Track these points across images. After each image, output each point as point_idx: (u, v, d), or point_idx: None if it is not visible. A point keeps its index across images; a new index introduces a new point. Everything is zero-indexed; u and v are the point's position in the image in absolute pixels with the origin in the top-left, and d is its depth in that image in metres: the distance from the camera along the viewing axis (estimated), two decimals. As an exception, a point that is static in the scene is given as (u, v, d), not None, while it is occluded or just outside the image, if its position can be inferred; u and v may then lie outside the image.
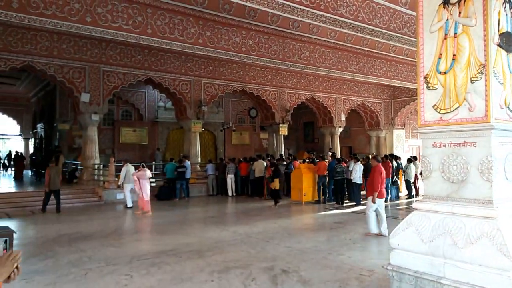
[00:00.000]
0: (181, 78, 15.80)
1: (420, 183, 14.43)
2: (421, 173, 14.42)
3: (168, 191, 14.21)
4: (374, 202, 7.83)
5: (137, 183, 11.14)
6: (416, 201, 4.58)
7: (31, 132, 27.00)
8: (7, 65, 12.31)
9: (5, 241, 5.95)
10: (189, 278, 5.29)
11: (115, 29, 9.51)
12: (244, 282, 5.07)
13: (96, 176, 14.48)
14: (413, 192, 14.28)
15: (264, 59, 12.44)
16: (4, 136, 30.19)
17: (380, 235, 7.83)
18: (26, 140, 27.72)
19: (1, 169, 24.63)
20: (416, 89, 4.62)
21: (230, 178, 15.23)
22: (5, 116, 26.87)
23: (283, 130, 18.98)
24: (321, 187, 13.04)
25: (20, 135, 28.00)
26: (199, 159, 16.79)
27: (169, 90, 15.79)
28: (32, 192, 13.71)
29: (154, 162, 17.08)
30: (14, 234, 6.16)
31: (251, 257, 6.36)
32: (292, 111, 19.31)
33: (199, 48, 11.10)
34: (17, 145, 28.08)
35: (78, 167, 16.02)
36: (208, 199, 14.77)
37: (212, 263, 5.97)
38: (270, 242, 7.39)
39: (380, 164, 8.40)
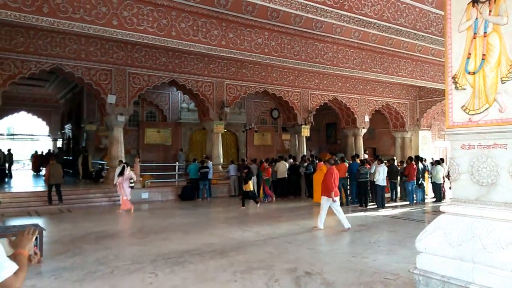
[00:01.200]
0: (204, 80, 15.96)
1: (447, 185, 14.09)
2: (448, 176, 14.10)
3: (191, 191, 14.38)
4: (334, 201, 8.69)
5: (120, 186, 11.63)
6: (443, 204, 4.48)
7: (59, 133, 27.82)
8: (37, 67, 12.73)
9: (36, 238, 6.17)
10: (212, 277, 5.34)
11: (141, 32, 9.70)
12: (267, 283, 5.07)
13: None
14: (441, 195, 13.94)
15: (287, 60, 12.41)
16: (33, 137, 31.29)
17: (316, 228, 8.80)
18: (55, 140, 28.59)
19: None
20: (443, 89, 4.52)
21: (252, 179, 15.24)
22: (35, 117, 27.79)
23: (305, 131, 18.88)
24: (342, 189, 12.89)
25: (48, 135, 28.91)
26: (221, 160, 16.90)
27: (192, 91, 15.97)
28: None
29: (177, 163, 17.30)
30: (43, 232, 6.39)
31: (274, 258, 6.36)
32: (314, 112, 19.18)
33: (222, 49, 11.18)
34: (45, 145, 28.99)
35: (105, 167, 16.39)
36: (230, 199, 14.85)
37: (235, 263, 6.00)
38: (293, 244, 7.36)
39: (334, 166, 9.27)
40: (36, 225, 7.06)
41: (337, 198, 8.85)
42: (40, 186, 15.03)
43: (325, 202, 8.80)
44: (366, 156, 18.57)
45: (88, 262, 6.14)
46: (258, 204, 12.57)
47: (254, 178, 15.25)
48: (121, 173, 11.83)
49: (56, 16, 8.74)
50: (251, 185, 12.61)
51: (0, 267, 1.71)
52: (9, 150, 20.48)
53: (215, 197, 14.91)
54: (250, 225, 9.55)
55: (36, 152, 24.51)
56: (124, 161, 12.77)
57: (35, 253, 2.01)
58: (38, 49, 12.43)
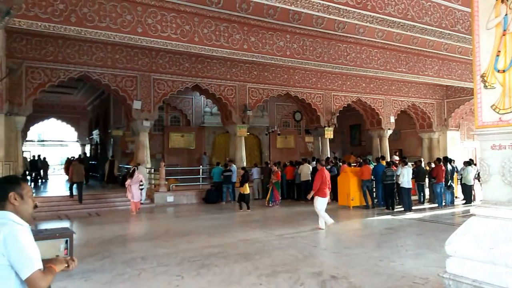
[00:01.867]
0: (226, 84, 16.08)
1: (477, 187, 13.66)
2: (478, 177, 13.65)
3: (215, 195, 14.49)
4: (325, 196, 9.11)
5: (129, 188, 11.97)
6: (473, 206, 4.34)
7: (87, 138, 28.62)
8: (66, 75, 13.15)
9: (66, 241, 6.35)
10: (237, 280, 5.35)
11: (165, 38, 9.88)
12: (293, 287, 5.04)
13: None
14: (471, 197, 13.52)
15: (309, 62, 12.35)
16: (63, 142, 32.29)
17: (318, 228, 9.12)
18: (83, 146, 29.43)
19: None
20: (472, 88, 4.41)
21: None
22: (64, 123, 28.70)
23: (329, 134, 18.70)
24: (366, 192, 12.70)
25: (77, 141, 29.79)
26: (245, 163, 16.95)
27: (215, 95, 16.11)
28: (88, 195, 14.51)
29: (201, 166, 17.47)
30: (73, 235, 6.56)
31: (298, 261, 6.32)
32: (338, 114, 18.99)
33: (244, 53, 11.24)
34: (74, 150, 29.84)
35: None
36: (253, 202, 14.84)
37: (260, 266, 6.00)
38: (318, 247, 7.30)
39: (324, 167, 9.61)
40: (67, 229, 7.27)
41: (324, 199, 9.23)
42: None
43: (318, 201, 9.25)
44: (397, 158, 18.20)
45: (116, 264, 6.27)
46: (249, 210, 12.36)
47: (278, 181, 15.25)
48: (131, 176, 12.14)
49: (83, 25, 9.01)
50: (247, 188, 12.54)
51: (30, 261, 1.82)
52: (43, 158, 21.17)
53: (239, 200, 14.94)
54: (274, 228, 9.52)
55: (68, 158, 25.27)
56: (136, 165, 13.21)
57: (72, 259, 2.14)
58: (67, 58, 12.84)
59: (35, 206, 2.11)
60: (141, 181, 12.24)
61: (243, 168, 13.57)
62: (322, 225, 9.20)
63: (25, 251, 1.83)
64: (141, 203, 12.68)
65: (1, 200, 1.98)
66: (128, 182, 12.13)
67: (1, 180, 2.14)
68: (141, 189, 12.38)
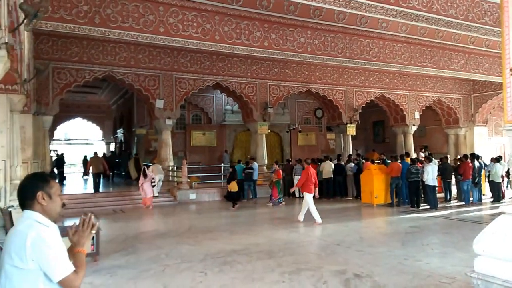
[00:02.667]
0: (247, 81, 16.10)
1: (506, 184, 13.23)
2: (508, 174, 13.20)
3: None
4: (311, 192, 9.46)
5: (142, 187, 12.57)
6: (502, 204, 4.21)
7: (112, 137, 29.22)
8: (91, 76, 13.47)
9: (92, 238, 6.50)
10: (260, 278, 5.36)
11: (186, 37, 9.97)
12: (316, 285, 5.01)
13: (170, 177, 15.26)
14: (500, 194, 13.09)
15: (330, 58, 12.23)
16: (88, 141, 33.10)
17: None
18: (108, 144, 30.08)
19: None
20: (500, 82, 4.26)
21: (297, 180, 15.15)
22: (89, 123, 29.40)
23: (351, 130, 18.48)
24: (394, 189, 12.48)
25: (102, 140, 30.47)
26: (266, 161, 16.95)
27: (236, 93, 16.16)
28: (113, 192, 14.84)
29: (222, 164, 17.57)
30: (99, 231, 6.72)
31: (321, 259, 6.28)
32: (360, 110, 18.74)
33: (264, 50, 11.24)
34: (100, 149, 30.53)
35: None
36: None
37: (282, 264, 5.99)
38: (341, 245, 7.23)
39: (310, 165, 10.05)
40: (92, 212, 7.43)
41: (311, 195, 9.57)
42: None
43: (310, 198, 9.54)
44: (423, 155, 17.82)
45: (141, 260, 6.38)
46: (236, 206, 12.35)
47: (299, 178, 15.18)
48: (144, 175, 12.59)
49: (107, 26, 9.20)
50: (235, 186, 12.56)
51: (61, 265, 1.79)
52: (61, 154, 21.54)
53: (261, 197, 14.95)
54: (296, 226, 9.49)
55: (85, 156, 25.81)
56: (146, 165, 13.86)
57: (90, 220, 2.03)
58: (91, 58, 13.14)
59: (63, 205, 2.05)
60: (152, 178, 12.82)
61: (231, 166, 13.58)
62: (318, 220, 9.39)
63: (56, 254, 1.78)
64: (156, 198, 13.28)
65: (28, 199, 1.90)
66: (141, 180, 12.61)
67: (29, 178, 2.03)
68: (153, 186, 13.01)
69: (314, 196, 9.67)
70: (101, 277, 5.49)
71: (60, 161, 20.29)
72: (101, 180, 15.35)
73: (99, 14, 9.09)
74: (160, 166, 14.44)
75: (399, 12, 8.15)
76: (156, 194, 13.59)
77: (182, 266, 5.96)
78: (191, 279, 5.35)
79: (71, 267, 1.82)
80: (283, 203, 13.24)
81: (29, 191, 1.91)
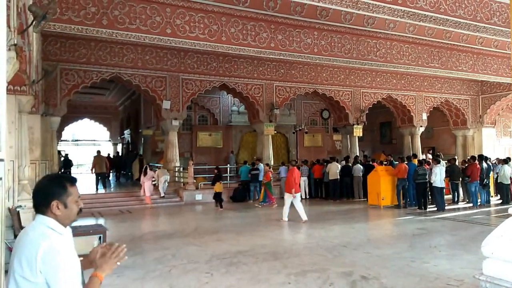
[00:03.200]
0: (253, 83, 16.11)
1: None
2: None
3: (242, 193, 14.55)
4: (294, 197, 9.87)
5: (143, 186, 13.30)
6: (511, 206, 4.16)
7: (119, 138, 29.39)
8: (98, 77, 13.56)
9: (100, 238, 6.54)
10: (266, 279, 5.35)
11: (193, 38, 9.99)
12: (322, 287, 4.99)
13: (176, 178, 15.30)
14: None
15: (337, 58, 12.18)
16: (95, 142, 33.30)
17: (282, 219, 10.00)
18: (115, 145, 30.26)
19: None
20: (509, 83, 4.21)
21: (303, 181, 15.13)
22: (97, 123, 29.59)
23: (358, 131, 18.40)
24: (401, 191, 12.39)
25: (109, 140, 30.65)
26: (272, 162, 16.93)
27: (242, 94, 16.17)
28: (119, 193, 14.92)
29: (228, 165, 17.58)
30: (106, 232, 6.76)
31: (328, 261, 6.25)
32: (367, 111, 18.65)
33: (271, 52, 11.22)
34: (107, 149, 30.71)
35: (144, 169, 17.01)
36: (281, 201, 14.76)
37: (288, 265, 5.97)
38: (348, 247, 7.19)
39: (295, 167, 10.44)
40: (100, 225, 7.48)
41: (298, 195, 10.13)
42: (101, 189, 15.97)
43: (287, 198, 10.07)
44: (430, 156, 17.70)
45: (148, 261, 6.40)
46: (221, 209, 12.38)
47: (306, 179, 15.17)
48: (145, 173, 13.26)
49: (114, 27, 9.25)
50: (219, 187, 12.62)
51: (69, 283, 1.66)
52: (66, 155, 21.64)
53: (267, 198, 14.94)
54: (302, 227, 9.46)
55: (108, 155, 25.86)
56: (147, 165, 14.35)
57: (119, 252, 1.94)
58: (99, 59, 13.23)
59: (80, 211, 1.88)
60: (153, 177, 13.54)
61: (216, 168, 13.70)
62: (285, 217, 10.01)
63: (65, 273, 1.65)
64: (163, 199, 13.73)
65: (43, 206, 1.77)
66: (142, 179, 13.23)
67: (46, 182, 1.85)
68: (154, 184, 13.74)
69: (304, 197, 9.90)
70: (108, 278, 5.48)
71: (67, 162, 20.43)
72: (105, 180, 15.98)
73: (107, 16, 9.15)
74: (166, 169, 14.55)
75: (406, 12, 8.11)
76: (163, 195, 13.89)
77: (188, 267, 5.97)
78: (197, 280, 5.35)
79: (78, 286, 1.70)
80: (276, 204, 13.00)
81: (44, 198, 1.77)
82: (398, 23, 11.56)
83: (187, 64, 14.75)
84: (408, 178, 12.35)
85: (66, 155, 21.59)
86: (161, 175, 13.84)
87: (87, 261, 1.89)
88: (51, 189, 1.79)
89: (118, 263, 1.87)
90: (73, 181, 1.87)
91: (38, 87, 10.30)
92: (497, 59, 15.23)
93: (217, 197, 12.71)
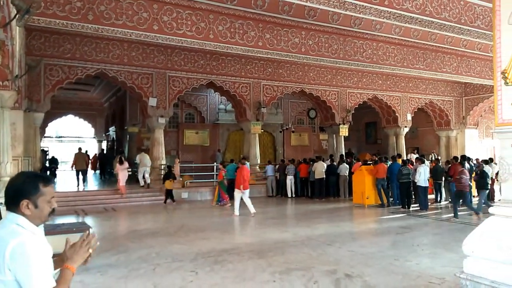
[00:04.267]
0: (241, 81, 16.09)
1: (495, 186, 13.36)
2: (497, 176, 13.31)
3: (229, 192, 14.49)
4: (243, 192, 10.67)
5: (119, 175, 13.58)
6: (492, 205, 4.26)
7: (104, 135, 29.02)
8: (83, 73, 13.36)
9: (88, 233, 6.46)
10: (251, 277, 5.36)
11: (180, 35, 9.93)
12: (306, 285, 5.02)
13: (162, 176, 15.16)
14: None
15: (324, 58, 12.26)
16: (80, 139, 32.83)
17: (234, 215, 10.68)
18: (100, 142, 29.87)
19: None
20: (491, 85, 4.32)
21: (289, 180, 15.20)
22: (81, 120, 29.17)
23: (344, 131, 18.56)
24: (381, 190, 12.54)
25: (94, 137, 30.25)
26: (259, 160, 16.95)
27: (230, 92, 16.14)
28: (104, 190, 14.75)
29: (215, 163, 17.53)
30: (90, 230, 6.67)
31: (312, 259, 6.29)
32: (353, 111, 18.83)
33: (258, 50, 11.23)
34: (92, 146, 30.33)
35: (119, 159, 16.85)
36: (267, 200, 14.87)
37: (273, 263, 5.99)
38: (332, 245, 7.26)
39: (245, 166, 11.18)
40: (83, 223, 7.39)
41: (247, 191, 10.85)
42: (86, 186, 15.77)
43: (237, 194, 10.84)
44: (414, 156, 17.95)
45: (132, 259, 6.35)
46: (174, 203, 13.01)
47: (292, 178, 15.23)
48: (120, 163, 13.69)
49: (100, 22, 9.13)
50: (170, 184, 13.04)
51: (38, 282, 1.60)
52: (51, 156, 21.26)
53: (253, 197, 14.90)
54: (288, 226, 9.51)
55: (95, 153, 25.53)
56: (120, 156, 14.79)
57: (90, 255, 1.88)
58: (84, 55, 13.04)
59: (53, 211, 1.81)
60: (128, 167, 14.21)
61: (168, 166, 14.01)
62: (237, 212, 10.73)
63: (34, 270, 1.59)
64: (148, 197, 13.60)
65: (12, 204, 1.72)
66: (117, 168, 13.59)
67: (18, 179, 1.78)
68: (129, 174, 14.46)
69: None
70: (91, 276, 5.45)
71: (54, 159, 20.15)
72: (84, 176, 16.24)
73: (93, 11, 9.02)
74: (148, 157, 14.99)
75: (392, 14, 8.20)
76: (142, 184, 14.74)
77: (173, 265, 5.94)
78: (182, 279, 5.33)
79: (50, 284, 1.63)
80: (229, 204, 12.75)
81: (14, 196, 1.72)
82: (385, 24, 11.69)
83: (174, 61, 14.65)
84: (392, 178, 12.52)
85: (51, 156, 21.26)
86: (142, 163, 14.55)
87: (60, 260, 1.83)
88: (22, 188, 1.73)
89: (90, 250, 1.81)
90: (47, 180, 1.80)
91: (22, 82, 10.11)
92: (480, 61, 15.54)
93: (168, 194, 13.13)
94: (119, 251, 6.91)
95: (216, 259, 6.25)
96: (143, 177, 14.80)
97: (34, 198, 1.73)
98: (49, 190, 1.78)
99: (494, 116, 4.13)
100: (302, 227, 9.24)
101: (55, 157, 20.69)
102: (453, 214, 10.45)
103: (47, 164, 19.49)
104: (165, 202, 13.13)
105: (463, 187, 10.54)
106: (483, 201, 11.01)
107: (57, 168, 20.35)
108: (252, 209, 10.68)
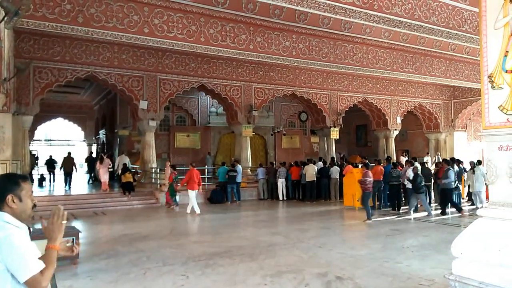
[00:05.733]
0: (232, 84, 16.10)
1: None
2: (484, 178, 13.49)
3: (220, 195, 14.50)
4: (194, 189, 11.73)
5: (100, 172, 14.61)
6: (480, 207, 4.32)
7: (94, 138, 28.77)
8: (73, 75, 13.25)
9: (72, 240, 6.39)
10: (242, 280, 5.36)
11: (171, 38, 9.92)
12: (297, 287, 5.03)
13: (153, 180, 15.11)
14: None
15: (315, 62, 12.33)
16: (69, 142, 32.49)
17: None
18: (90, 145, 29.60)
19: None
20: (479, 89, 4.38)
21: (281, 182, 15.23)
22: (71, 123, 28.88)
23: (334, 134, 18.65)
24: (376, 193, 12.62)
25: (84, 140, 29.96)
26: (250, 163, 16.95)
27: (221, 95, 16.14)
28: (93, 194, 14.62)
29: (206, 166, 17.49)
30: (79, 234, 6.61)
31: (303, 262, 6.31)
32: (343, 114, 18.95)
33: (250, 53, 11.26)
34: (81, 149, 30.05)
35: (138, 170, 16.78)
36: (259, 203, 14.87)
37: (264, 266, 6.00)
38: (323, 248, 7.28)
39: (194, 168, 12.20)
40: (73, 227, 7.32)
41: (196, 191, 11.87)
42: (74, 190, 15.61)
43: (190, 194, 11.73)
44: (404, 158, 18.11)
45: (122, 263, 6.30)
46: (129, 196, 13.45)
47: (283, 181, 15.26)
48: (101, 161, 14.58)
49: (90, 25, 9.07)
50: (128, 177, 13.59)
51: (26, 265, 1.75)
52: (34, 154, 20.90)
53: (244, 200, 14.97)
54: (279, 229, 9.52)
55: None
56: (104, 155, 16.09)
57: (77, 244, 2.11)
58: (74, 58, 12.93)
59: (34, 206, 1.98)
60: (109, 164, 14.97)
61: (124, 165, 14.57)
62: (198, 210, 11.58)
63: (22, 254, 1.75)
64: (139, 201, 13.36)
65: None
66: (98, 166, 14.51)
67: None
68: (110, 171, 15.31)
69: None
70: (80, 280, 5.40)
71: (51, 162, 19.93)
72: (70, 178, 16.73)
73: (83, 14, 8.97)
74: (128, 159, 15.90)
75: (382, 18, 8.29)
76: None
77: (163, 269, 5.91)
78: (173, 282, 5.31)
79: (38, 267, 1.76)
80: (175, 206, 12.80)
81: None
82: (374, 28, 11.81)
83: (165, 64, 14.60)
84: (384, 180, 12.61)
85: (49, 157, 20.96)
86: (121, 164, 15.05)
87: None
88: (5, 185, 1.90)
89: (64, 221, 1.93)
90: (24, 177, 1.98)
91: (10, 85, 10.00)
92: (469, 65, 15.77)
93: (125, 186, 13.62)
94: (109, 255, 6.85)
95: (207, 263, 6.24)
96: None
97: (18, 192, 1.90)
98: (28, 185, 1.96)
99: (482, 119, 4.20)
100: (293, 229, 9.26)
101: (53, 158, 20.41)
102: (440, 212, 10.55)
103: (40, 166, 19.33)
104: (123, 193, 13.58)
105: (366, 188, 10.88)
106: (412, 204, 11.48)
107: (54, 171, 20.10)
108: (189, 209, 11.75)
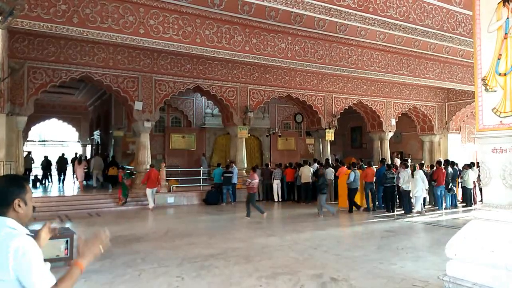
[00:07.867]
0: (228, 85, 16.10)
1: (477, 190, 13.63)
2: (479, 180, 13.59)
3: (215, 196, 14.49)
4: (151, 187, 13.00)
5: (76, 173, 16.25)
6: (474, 209, 4.35)
7: (88, 139, 28.62)
8: (68, 76, 13.18)
9: (66, 242, 6.36)
10: (237, 282, 5.35)
11: (166, 39, 9.90)
12: (292, 289, 5.04)
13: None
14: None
15: (310, 64, 12.36)
16: (64, 143, 32.30)
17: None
18: (84, 146, 29.44)
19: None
20: (473, 91, 4.42)
21: (276, 184, 15.24)
22: (65, 124, 28.70)
23: (330, 136, 18.70)
24: (369, 194, 12.68)
25: (78, 141, 29.79)
26: (245, 165, 16.94)
27: (216, 97, 16.13)
28: (88, 195, 14.53)
29: (201, 168, 17.46)
30: (74, 235, 6.57)
31: (299, 263, 6.32)
32: (338, 116, 19.00)
33: (245, 55, 11.26)
34: (76, 150, 29.82)
35: (133, 171, 16.70)
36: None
37: (260, 268, 6.00)
38: (318, 249, 7.30)
39: (154, 168, 13.28)
40: (67, 229, 7.28)
41: (154, 189, 13.06)
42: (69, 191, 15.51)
43: (147, 191, 12.86)
44: (398, 161, 18.18)
45: (117, 265, 6.27)
46: (120, 202, 13.46)
47: (279, 182, 15.29)
48: (79, 162, 16.18)
49: (85, 26, 9.03)
50: (114, 171, 15.38)
51: (40, 280, 1.68)
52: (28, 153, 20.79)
53: (240, 201, 14.94)
54: (274, 230, 9.52)
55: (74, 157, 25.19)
56: (80, 156, 18.23)
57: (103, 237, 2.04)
58: (68, 58, 12.87)
59: (33, 208, 1.93)
60: (85, 165, 16.53)
61: (113, 157, 15.86)
62: (151, 206, 12.78)
63: (36, 267, 1.68)
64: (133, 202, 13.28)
65: (3, 206, 1.78)
66: (76, 167, 16.10)
67: (4, 182, 1.85)
68: (86, 171, 16.58)
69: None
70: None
71: (48, 164, 19.81)
72: (64, 178, 18.58)
73: (78, 14, 8.93)
74: (101, 160, 17.54)
75: (377, 20, 8.33)
76: (95, 185, 16.74)
77: (158, 271, 5.90)
78: (168, 284, 5.29)
79: (51, 282, 1.70)
80: (122, 202, 13.33)
81: (4, 198, 1.78)
82: (369, 30, 11.87)
83: (161, 65, 14.57)
84: (378, 182, 12.67)
85: (44, 157, 20.83)
86: (95, 167, 16.67)
87: None
88: (12, 188, 1.82)
89: (101, 247, 1.90)
90: (26, 179, 1.99)
91: (4, 86, 9.93)
92: (462, 67, 15.88)
93: (110, 179, 15.31)
94: (104, 256, 6.79)
95: (202, 264, 6.23)
96: (97, 178, 16.92)
97: (23, 195, 1.83)
98: (29, 188, 1.91)
99: (475, 121, 4.23)
100: (288, 231, 9.27)
101: (49, 158, 20.29)
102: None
103: (36, 167, 19.36)
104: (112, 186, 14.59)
105: (251, 190, 11.44)
106: (321, 204, 11.58)
107: (51, 171, 20.02)
108: (151, 204, 12.88)
